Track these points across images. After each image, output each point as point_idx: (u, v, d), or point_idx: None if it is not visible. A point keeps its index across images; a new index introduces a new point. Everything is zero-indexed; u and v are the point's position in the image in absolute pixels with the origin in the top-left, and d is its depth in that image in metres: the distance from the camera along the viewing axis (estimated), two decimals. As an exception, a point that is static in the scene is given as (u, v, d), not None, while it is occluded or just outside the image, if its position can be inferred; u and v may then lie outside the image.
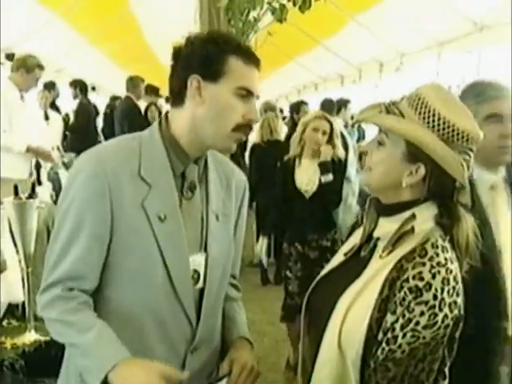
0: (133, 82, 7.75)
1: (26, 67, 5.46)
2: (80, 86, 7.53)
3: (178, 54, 1.65)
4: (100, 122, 9.91)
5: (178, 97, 1.66)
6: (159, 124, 1.72)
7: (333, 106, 7.18)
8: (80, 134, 7.05)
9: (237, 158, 7.08)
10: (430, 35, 8.39)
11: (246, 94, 1.62)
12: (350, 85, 12.14)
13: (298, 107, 7.75)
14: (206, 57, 1.60)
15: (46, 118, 7.53)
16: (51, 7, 8.45)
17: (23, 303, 4.92)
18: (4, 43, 8.41)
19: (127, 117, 7.44)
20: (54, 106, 8.29)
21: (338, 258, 1.70)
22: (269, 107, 7.76)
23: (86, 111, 7.66)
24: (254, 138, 7.45)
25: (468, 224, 1.51)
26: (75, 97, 7.96)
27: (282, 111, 11.51)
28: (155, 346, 1.65)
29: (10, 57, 8.51)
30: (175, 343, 1.69)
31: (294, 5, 3.76)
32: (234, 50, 1.61)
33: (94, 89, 12.99)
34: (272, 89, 17.84)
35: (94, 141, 7.43)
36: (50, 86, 8.08)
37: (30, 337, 4.62)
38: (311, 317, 1.68)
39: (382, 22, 8.64)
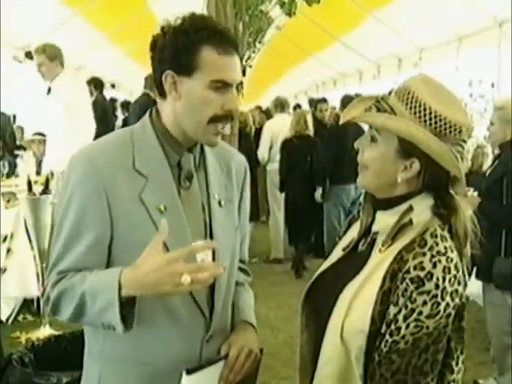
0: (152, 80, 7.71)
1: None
2: (95, 84, 7.55)
3: (154, 45, 1.62)
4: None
5: (160, 90, 1.65)
6: (150, 115, 1.71)
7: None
8: (96, 131, 7.06)
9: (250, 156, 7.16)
10: (449, 30, 8.31)
11: (223, 85, 1.58)
12: (369, 81, 12.09)
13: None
14: (176, 50, 1.56)
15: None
16: (70, 5, 8.52)
17: (38, 298, 4.97)
18: (23, 41, 8.51)
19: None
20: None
21: (336, 254, 1.69)
22: (279, 103, 7.76)
23: (101, 108, 7.69)
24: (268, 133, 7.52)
25: (465, 213, 1.51)
26: (91, 94, 8.01)
27: (299, 107, 11.52)
28: (170, 340, 1.65)
29: (28, 55, 8.60)
30: (190, 334, 1.68)
31: (303, -3, 3.71)
32: (207, 39, 1.55)
33: (113, 86, 13.05)
34: (291, 85, 17.84)
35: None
36: None
37: (45, 332, 4.66)
38: (310, 312, 1.67)
39: (400, 17, 8.59)
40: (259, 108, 12.42)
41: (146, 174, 1.61)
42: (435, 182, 1.50)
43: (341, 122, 1.64)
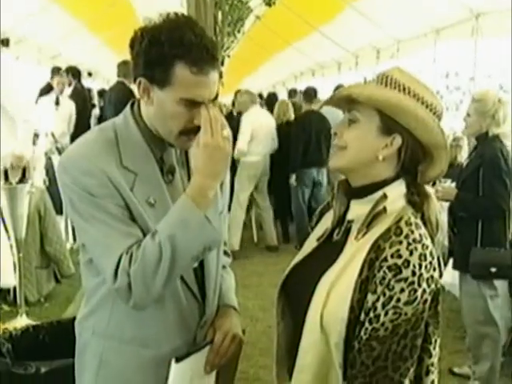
0: (127, 67, 7.57)
1: None
2: (73, 72, 7.46)
3: (131, 46, 1.60)
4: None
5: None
6: (131, 108, 1.71)
7: (315, 94, 7.57)
8: (76, 119, 7.02)
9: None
10: (426, 22, 8.36)
11: (193, 103, 1.58)
12: (347, 71, 12.12)
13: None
14: (150, 61, 1.55)
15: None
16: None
17: (15, 288, 4.92)
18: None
19: (124, 102, 7.30)
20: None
21: (310, 244, 1.67)
22: (251, 96, 7.71)
23: (80, 97, 7.61)
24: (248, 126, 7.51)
25: (434, 200, 1.54)
26: (69, 83, 7.91)
27: (275, 96, 11.51)
28: (172, 324, 1.70)
29: (4, 42, 8.48)
30: (188, 320, 1.73)
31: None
32: (181, 56, 1.53)
33: (90, 74, 12.93)
34: (269, 75, 17.83)
35: (88, 126, 7.38)
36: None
37: (22, 322, 4.61)
38: (286, 304, 1.68)
39: (378, 8, 8.62)
40: None
41: (134, 170, 1.62)
42: (413, 161, 1.52)
43: (318, 108, 1.63)
